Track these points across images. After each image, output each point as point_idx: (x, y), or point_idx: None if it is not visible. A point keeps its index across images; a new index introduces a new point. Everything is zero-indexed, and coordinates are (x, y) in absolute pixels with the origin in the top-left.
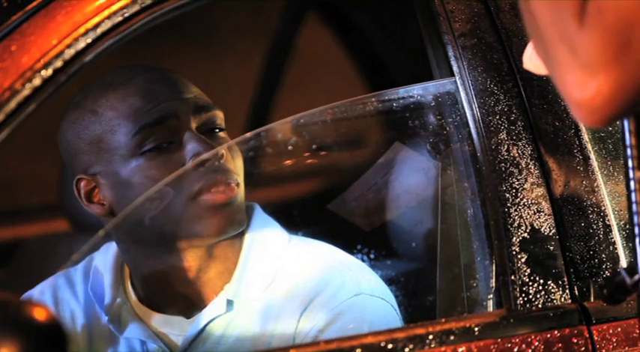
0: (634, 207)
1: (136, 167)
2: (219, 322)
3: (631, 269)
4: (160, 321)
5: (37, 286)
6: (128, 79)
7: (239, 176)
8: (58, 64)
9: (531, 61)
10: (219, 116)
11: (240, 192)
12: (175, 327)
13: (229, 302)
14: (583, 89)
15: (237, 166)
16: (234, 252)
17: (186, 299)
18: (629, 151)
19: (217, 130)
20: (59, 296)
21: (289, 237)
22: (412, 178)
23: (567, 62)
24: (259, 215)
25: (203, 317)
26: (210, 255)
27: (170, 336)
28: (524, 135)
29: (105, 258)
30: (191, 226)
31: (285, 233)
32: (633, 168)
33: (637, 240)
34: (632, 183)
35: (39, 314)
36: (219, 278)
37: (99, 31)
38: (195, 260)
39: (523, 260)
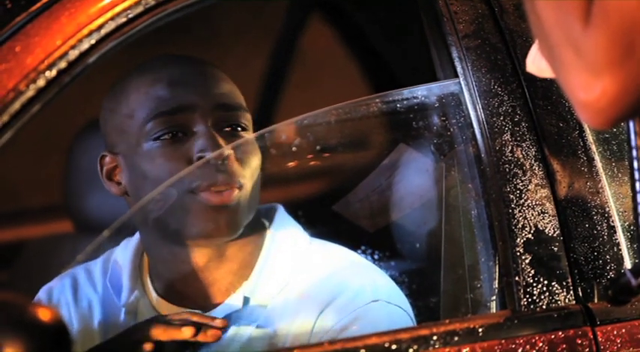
0: (639, 208)
1: (147, 152)
2: (234, 318)
3: (636, 271)
4: None
5: (57, 277)
6: (162, 66)
7: (245, 178)
8: (62, 65)
9: (534, 64)
10: (244, 116)
11: (242, 195)
12: None
13: (246, 299)
14: (588, 90)
15: (246, 168)
16: (254, 250)
17: (203, 293)
18: (634, 152)
19: (239, 129)
20: (78, 289)
21: (310, 239)
22: (416, 179)
23: (572, 63)
24: (281, 215)
25: (219, 312)
26: (229, 252)
27: None
28: (528, 136)
29: (124, 252)
30: (187, 221)
31: (305, 234)
32: (638, 170)
33: None
34: (637, 185)
35: (43, 315)
36: (237, 274)
37: (103, 32)
38: (212, 255)
39: (527, 261)
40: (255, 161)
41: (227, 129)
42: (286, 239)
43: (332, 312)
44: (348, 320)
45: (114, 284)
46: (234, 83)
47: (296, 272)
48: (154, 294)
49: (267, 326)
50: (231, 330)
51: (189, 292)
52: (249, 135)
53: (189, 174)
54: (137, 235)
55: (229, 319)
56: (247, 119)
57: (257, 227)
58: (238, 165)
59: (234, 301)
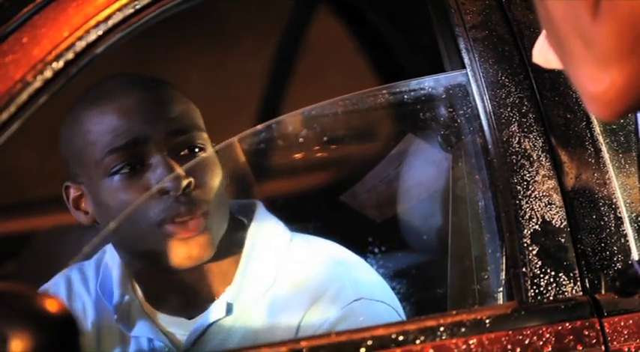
0: None
1: (107, 186)
2: (220, 325)
3: None
4: (165, 320)
5: (52, 279)
6: (115, 93)
7: (207, 205)
8: (70, 56)
9: (541, 54)
10: (199, 136)
11: (209, 221)
12: (178, 327)
13: (229, 306)
14: (596, 82)
15: (208, 193)
16: (235, 252)
17: (187, 300)
18: None
19: (196, 150)
20: (73, 290)
21: (291, 236)
22: (424, 170)
23: (581, 56)
24: (261, 213)
25: (204, 319)
26: (210, 259)
27: (176, 335)
28: (535, 127)
29: (114, 253)
30: (158, 252)
31: (286, 232)
32: None
33: None
34: None
35: (51, 306)
36: (220, 279)
37: (110, 23)
38: (193, 266)
39: (534, 252)
40: (215, 179)
41: (183, 153)
42: (266, 238)
43: (316, 314)
44: (331, 322)
45: (104, 288)
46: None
47: (278, 274)
48: (143, 299)
49: (253, 330)
50: (218, 337)
51: (174, 301)
52: (205, 154)
53: (152, 207)
54: None
55: (214, 327)
56: (203, 138)
57: (236, 227)
58: (200, 190)
59: (217, 309)
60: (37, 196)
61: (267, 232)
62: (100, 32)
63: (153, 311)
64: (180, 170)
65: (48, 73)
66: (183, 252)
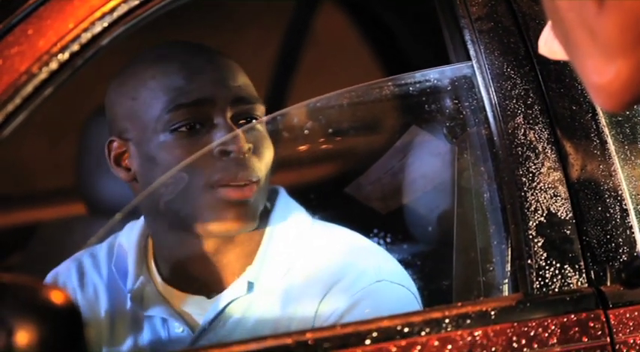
0: None
1: (163, 142)
2: (239, 303)
3: None
4: (181, 300)
5: (63, 263)
6: (178, 54)
7: (261, 173)
8: (75, 47)
9: (546, 46)
10: (259, 109)
11: (259, 190)
12: (196, 307)
13: (250, 285)
14: (602, 74)
15: (263, 161)
16: (257, 235)
17: (207, 279)
18: None
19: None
20: (84, 274)
21: (312, 222)
22: (429, 162)
23: (586, 47)
24: (284, 198)
25: (223, 297)
26: (233, 238)
27: (192, 315)
28: (540, 119)
29: (129, 236)
30: (204, 214)
31: (308, 217)
32: None
33: None
34: None
35: (56, 298)
36: (241, 260)
37: (115, 14)
38: (217, 241)
39: (540, 244)
40: (269, 155)
41: (242, 121)
42: (289, 222)
43: (336, 294)
44: (352, 301)
45: (119, 268)
46: (246, 70)
47: (299, 256)
48: (159, 280)
49: (272, 310)
50: (236, 316)
51: (195, 278)
52: (261, 126)
53: (209, 168)
54: (142, 219)
55: (234, 305)
56: (262, 112)
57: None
58: (257, 159)
59: (238, 287)
60: (42, 188)
61: (289, 216)
62: (106, 24)
63: (170, 291)
64: (242, 134)
65: (53, 65)
66: (232, 216)
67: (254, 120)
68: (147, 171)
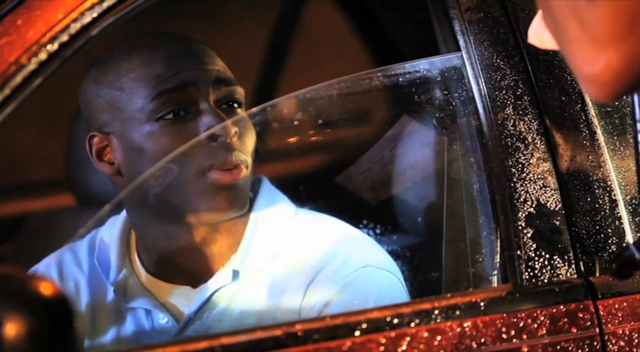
0: None
1: (149, 132)
2: (225, 292)
3: None
4: (166, 291)
5: (43, 260)
6: (154, 43)
7: (248, 156)
8: (64, 38)
9: (536, 35)
10: (239, 92)
11: (247, 173)
12: (182, 297)
13: (235, 273)
14: (592, 64)
15: (248, 145)
16: (241, 224)
17: (193, 268)
18: (639, 126)
19: (235, 105)
20: (64, 269)
21: (296, 210)
22: (419, 152)
23: (577, 37)
24: (267, 187)
25: (209, 286)
26: (218, 227)
27: (178, 306)
28: (530, 110)
29: (111, 230)
30: (195, 201)
31: (292, 206)
32: None
33: None
34: None
35: (45, 289)
36: (226, 248)
37: (105, 5)
38: (202, 231)
39: (529, 235)
40: (252, 138)
41: (224, 106)
42: (272, 210)
43: (322, 281)
44: (338, 287)
45: (101, 262)
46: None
47: (284, 244)
48: (142, 272)
49: (258, 298)
50: (222, 304)
51: (180, 269)
52: (243, 111)
53: (196, 154)
54: (124, 213)
55: (220, 293)
56: (242, 94)
57: None
58: (243, 143)
59: (223, 275)
60: (31, 179)
61: (272, 204)
62: (95, 14)
63: (155, 283)
64: (226, 118)
65: (43, 56)
66: (225, 200)
67: (235, 104)
68: (133, 163)
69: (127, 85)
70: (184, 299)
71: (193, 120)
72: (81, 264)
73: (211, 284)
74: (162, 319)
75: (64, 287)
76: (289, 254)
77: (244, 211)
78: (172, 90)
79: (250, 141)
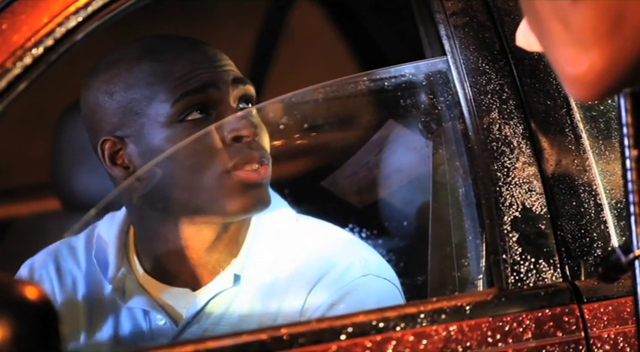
0: (629, 185)
1: (172, 135)
2: (224, 296)
3: (626, 248)
4: (165, 292)
5: (39, 253)
6: (167, 46)
7: (269, 154)
8: (49, 42)
9: (524, 38)
10: (253, 91)
11: (270, 172)
12: (180, 299)
13: (236, 277)
14: (576, 65)
15: (267, 142)
16: (242, 228)
17: (193, 271)
18: (625, 129)
19: (250, 105)
20: (61, 264)
21: (296, 215)
22: (405, 157)
23: (561, 38)
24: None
25: (209, 290)
26: (222, 231)
27: (175, 308)
28: (515, 114)
29: (109, 227)
30: (220, 200)
31: (292, 211)
32: (629, 147)
33: (632, 219)
34: (627, 162)
35: (30, 293)
36: (227, 253)
37: (90, 9)
38: (206, 234)
39: (514, 239)
40: (267, 135)
41: (243, 104)
42: (273, 215)
43: (322, 288)
44: (338, 295)
45: (100, 260)
46: None
47: (284, 249)
48: (140, 271)
49: (258, 304)
50: (222, 308)
51: (179, 270)
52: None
53: (222, 154)
54: (123, 210)
55: (220, 297)
56: (254, 93)
57: None
58: (263, 140)
59: (224, 279)
60: (16, 183)
61: (273, 209)
62: (80, 19)
63: (152, 284)
64: (249, 119)
65: (27, 60)
66: (251, 198)
67: (250, 103)
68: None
69: (145, 88)
70: (183, 301)
71: (216, 121)
72: (78, 261)
73: (212, 288)
74: (160, 320)
75: (62, 283)
76: (290, 259)
77: (268, 207)
78: (194, 92)
79: (267, 138)
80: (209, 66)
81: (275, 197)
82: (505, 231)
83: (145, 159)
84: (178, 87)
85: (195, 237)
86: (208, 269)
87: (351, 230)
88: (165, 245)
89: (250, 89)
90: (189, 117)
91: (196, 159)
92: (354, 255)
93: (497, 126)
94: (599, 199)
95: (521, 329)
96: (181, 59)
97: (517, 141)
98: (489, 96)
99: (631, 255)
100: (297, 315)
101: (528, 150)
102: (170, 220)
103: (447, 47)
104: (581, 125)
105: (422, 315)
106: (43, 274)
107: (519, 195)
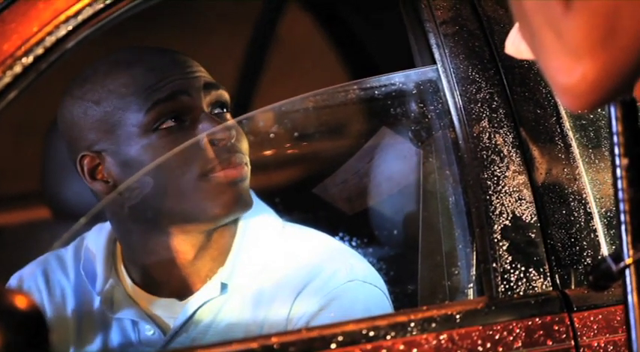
0: (620, 194)
1: (146, 144)
2: (211, 305)
3: (616, 256)
4: (152, 303)
5: (27, 266)
6: (137, 57)
7: (247, 157)
8: (39, 51)
9: (514, 45)
10: (226, 95)
11: (249, 173)
12: (168, 309)
13: (223, 286)
14: (568, 74)
15: (245, 147)
16: (228, 237)
17: (180, 281)
18: (615, 138)
19: (224, 110)
20: (50, 276)
21: (283, 224)
22: (395, 165)
23: (553, 47)
24: (254, 200)
25: (196, 299)
26: (207, 239)
27: (163, 318)
28: (505, 122)
29: (97, 238)
30: (201, 204)
31: (278, 219)
32: (620, 155)
33: (622, 227)
34: (618, 171)
35: (19, 303)
36: (213, 261)
37: (80, 18)
38: (192, 243)
39: (504, 247)
40: (246, 140)
41: (216, 110)
42: (260, 223)
43: (309, 295)
44: (324, 301)
45: (88, 272)
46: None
47: (271, 257)
48: (129, 282)
49: (246, 311)
50: (210, 317)
51: (166, 280)
52: (230, 114)
53: (198, 159)
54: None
55: (207, 306)
56: (228, 98)
57: None
58: (241, 144)
59: (211, 288)
60: (6, 192)
61: (260, 217)
62: (70, 27)
63: (140, 294)
64: (223, 122)
65: (17, 68)
66: (232, 197)
67: (224, 108)
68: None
69: (118, 100)
70: (170, 311)
71: (191, 128)
72: (67, 272)
73: (199, 297)
74: (149, 331)
75: (51, 294)
76: (277, 267)
77: (250, 209)
78: (166, 100)
79: (246, 143)
80: (179, 73)
81: (261, 205)
82: (495, 240)
83: (123, 171)
84: (149, 96)
85: (181, 246)
86: (195, 278)
87: (342, 238)
88: (151, 256)
89: (223, 94)
90: (164, 126)
91: (174, 166)
92: (340, 261)
93: (488, 134)
94: (589, 208)
95: (511, 338)
96: (151, 69)
97: (507, 150)
98: (479, 105)
99: (621, 264)
100: (284, 322)
101: (518, 159)
102: (154, 231)
103: (437, 56)
104: (571, 134)
105: (412, 324)
106: (32, 286)
107: (509, 204)
